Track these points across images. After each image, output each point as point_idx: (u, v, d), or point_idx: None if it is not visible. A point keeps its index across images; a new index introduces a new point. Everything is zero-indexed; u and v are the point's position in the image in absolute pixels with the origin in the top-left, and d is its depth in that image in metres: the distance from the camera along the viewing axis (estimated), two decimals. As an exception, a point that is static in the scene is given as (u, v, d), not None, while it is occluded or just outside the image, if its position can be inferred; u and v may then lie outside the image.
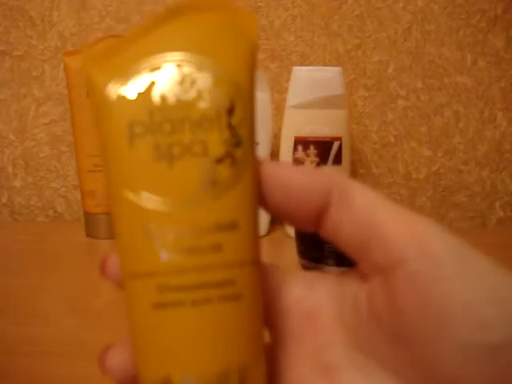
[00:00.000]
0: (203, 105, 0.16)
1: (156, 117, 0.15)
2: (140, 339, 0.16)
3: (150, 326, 0.16)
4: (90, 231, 0.53)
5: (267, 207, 0.17)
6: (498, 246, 0.50)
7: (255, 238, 0.17)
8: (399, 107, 0.61)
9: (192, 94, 0.16)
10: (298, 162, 0.51)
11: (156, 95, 0.15)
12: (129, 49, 0.16)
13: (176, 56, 0.16)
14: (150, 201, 0.15)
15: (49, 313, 0.34)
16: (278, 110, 0.56)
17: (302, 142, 0.50)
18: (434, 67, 0.60)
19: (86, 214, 0.53)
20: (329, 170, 0.17)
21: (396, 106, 0.61)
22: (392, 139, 0.62)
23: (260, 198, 0.17)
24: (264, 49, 0.60)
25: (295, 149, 0.51)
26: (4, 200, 0.64)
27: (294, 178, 0.17)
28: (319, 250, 0.40)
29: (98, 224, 0.52)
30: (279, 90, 0.59)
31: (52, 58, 0.61)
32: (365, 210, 0.16)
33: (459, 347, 0.13)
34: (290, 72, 0.52)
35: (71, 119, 0.51)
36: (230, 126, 0.16)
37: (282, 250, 0.48)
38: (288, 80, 0.52)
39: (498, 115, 0.60)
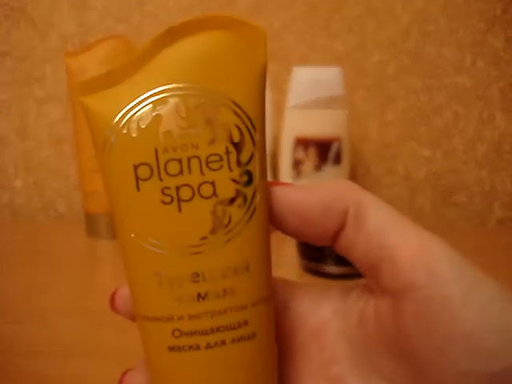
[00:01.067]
0: (211, 141, 0.15)
1: (162, 157, 0.15)
2: (156, 378, 0.16)
3: (165, 367, 0.16)
4: (91, 231, 0.53)
5: (283, 231, 0.17)
6: (497, 246, 0.50)
7: (267, 276, 0.16)
8: (399, 107, 0.61)
9: (198, 130, 0.15)
10: (297, 162, 0.51)
11: (161, 132, 0.15)
12: (130, 79, 0.15)
13: (180, 87, 0.15)
14: (160, 246, 0.15)
15: (48, 313, 0.34)
16: (278, 110, 0.56)
17: (302, 142, 0.51)
18: (433, 67, 0.60)
19: (87, 215, 0.53)
20: (342, 184, 0.17)
21: (396, 106, 0.61)
22: (392, 139, 0.62)
23: (275, 222, 0.17)
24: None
25: (295, 149, 0.51)
26: (5, 200, 0.64)
27: (308, 203, 0.16)
28: (319, 250, 0.40)
29: (99, 224, 0.52)
30: (279, 90, 0.59)
31: (53, 58, 0.61)
32: (377, 232, 0.15)
33: (459, 375, 0.13)
34: (290, 72, 0.52)
35: (72, 119, 0.51)
36: (239, 163, 0.15)
37: (282, 250, 0.48)
38: (288, 80, 0.52)
39: (498, 115, 0.61)
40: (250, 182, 0.15)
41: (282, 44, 0.60)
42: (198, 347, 0.15)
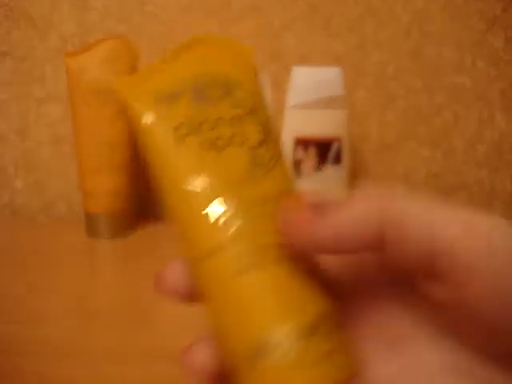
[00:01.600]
0: (232, 107, 0.19)
1: (195, 119, 0.18)
2: (230, 310, 0.17)
3: (238, 293, 0.17)
4: (91, 231, 0.53)
5: (320, 254, 0.17)
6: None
7: None
8: (399, 107, 0.61)
9: (221, 100, 0.19)
10: (298, 162, 0.51)
11: (192, 102, 0.18)
12: (159, 75, 0.19)
13: (201, 74, 0.19)
14: (207, 186, 0.17)
15: (48, 313, 0.34)
16: (278, 110, 0.56)
17: (302, 142, 0.51)
18: (433, 67, 0.60)
19: (87, 215, 0.53)
20: (374, 199, 0.15)
21: (395, 106, 0.61)
22: (391, 139, 0.62)
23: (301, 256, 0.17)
24: (264, 49, 0.60)
25: (295, 149, 0.51)
26: (5, 200, 0.64)
27: (343, 225, 0.15)
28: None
29: (99, 224, 0.52)
30: (279, 89, 0.59)
31: (53, 58, 0.61)
32: (423, 242, 0.15)
33: None
34: (289, 72, 0.52)
35: (72, 119, 0.51)
36: (259, 121, 0.19)
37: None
38: (288, 80, 0.52)
39: (497, 116, 0.61)
40: (268, 137, 0.19)
41: (281, 44, 0.60)
42: (261, 264, 0.16)
